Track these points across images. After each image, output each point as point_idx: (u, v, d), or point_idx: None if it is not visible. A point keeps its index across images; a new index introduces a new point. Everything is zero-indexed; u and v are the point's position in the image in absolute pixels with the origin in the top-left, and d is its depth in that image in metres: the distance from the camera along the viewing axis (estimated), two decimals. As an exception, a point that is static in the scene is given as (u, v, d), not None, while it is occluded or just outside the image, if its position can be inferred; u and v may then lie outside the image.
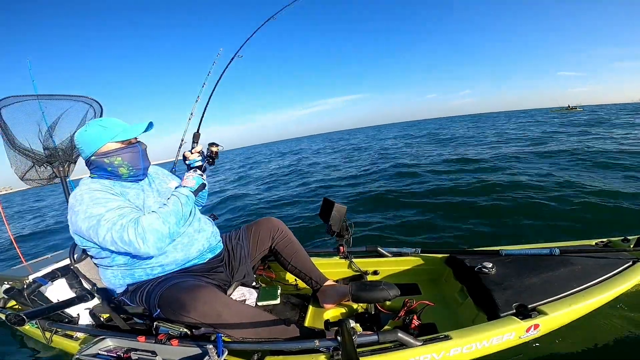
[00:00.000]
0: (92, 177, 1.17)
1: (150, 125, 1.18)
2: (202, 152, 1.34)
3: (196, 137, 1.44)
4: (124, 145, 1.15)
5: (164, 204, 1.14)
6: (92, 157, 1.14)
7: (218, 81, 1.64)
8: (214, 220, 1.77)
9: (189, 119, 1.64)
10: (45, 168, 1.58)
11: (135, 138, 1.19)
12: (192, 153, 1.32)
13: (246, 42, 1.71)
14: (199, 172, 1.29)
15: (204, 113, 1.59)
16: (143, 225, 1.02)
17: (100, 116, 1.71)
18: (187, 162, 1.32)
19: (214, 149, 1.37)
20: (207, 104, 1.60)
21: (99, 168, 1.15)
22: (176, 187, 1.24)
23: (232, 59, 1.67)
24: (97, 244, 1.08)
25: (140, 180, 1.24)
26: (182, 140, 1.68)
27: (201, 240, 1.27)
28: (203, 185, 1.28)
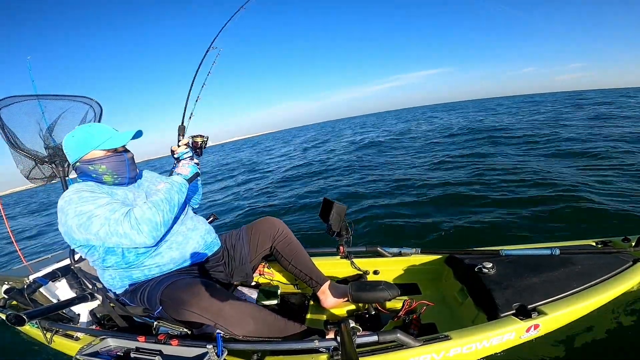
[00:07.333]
0: (78, 181, 1.18)
1: (139, 133, 1.18)
2: (189, 144, 1.34)
3: (181, 130, 1.44)
4: (109, 154, 1.15)
5: (156, 192, 1.14)
6: (77, 164, 1.15)
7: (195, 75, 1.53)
8: (214, 220, 1.78)
9: (189, 118, 1.64)
10: (49, 166, 1.59)
11: (123, 146, 1.19)
12: (179, 146, 1.32)
13: (220, 31, 1.58)
14: (195, 161, 1.30)
15: (185, 106, 1.51)
16: (136, 217, 1.02)
17: (100, 117, 1.72)
18: (175, 155, 1.32)
19: (198, 139, 1.36)
20: (188, 98, 1.51)
21: (84, 174, 1.16)
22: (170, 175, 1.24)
23: (207, 51, 1.56)
24: (88, 242, 1.07)
25: (128, 185, 1.24)
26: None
27: (195, 237, 1.28)
28: (197, 175, 1.28)
